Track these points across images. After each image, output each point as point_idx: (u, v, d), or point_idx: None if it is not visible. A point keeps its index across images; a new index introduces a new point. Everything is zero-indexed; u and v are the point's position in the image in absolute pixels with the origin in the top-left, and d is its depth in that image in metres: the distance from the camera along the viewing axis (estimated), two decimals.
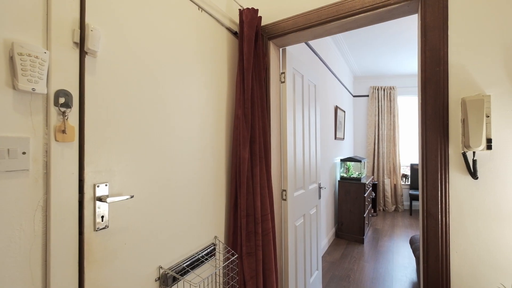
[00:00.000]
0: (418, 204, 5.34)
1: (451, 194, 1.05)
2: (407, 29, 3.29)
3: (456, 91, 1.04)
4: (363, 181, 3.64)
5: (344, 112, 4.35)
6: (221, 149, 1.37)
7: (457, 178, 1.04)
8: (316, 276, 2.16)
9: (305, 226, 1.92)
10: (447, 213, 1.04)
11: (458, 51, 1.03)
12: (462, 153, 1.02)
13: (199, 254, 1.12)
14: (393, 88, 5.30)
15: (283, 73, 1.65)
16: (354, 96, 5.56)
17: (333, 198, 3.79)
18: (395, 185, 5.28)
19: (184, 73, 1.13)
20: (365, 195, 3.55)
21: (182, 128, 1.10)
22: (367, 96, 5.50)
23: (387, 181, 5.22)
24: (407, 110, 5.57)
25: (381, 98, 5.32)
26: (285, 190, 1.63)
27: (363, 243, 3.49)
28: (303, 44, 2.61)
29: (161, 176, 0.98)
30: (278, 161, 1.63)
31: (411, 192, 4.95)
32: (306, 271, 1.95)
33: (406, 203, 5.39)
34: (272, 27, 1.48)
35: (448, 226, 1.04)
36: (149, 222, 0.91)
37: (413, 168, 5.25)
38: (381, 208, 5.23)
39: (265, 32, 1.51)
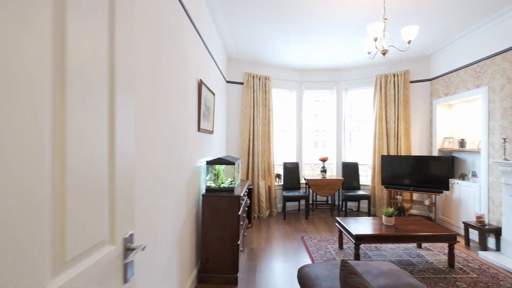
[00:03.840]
0: (292, 206, 5.07)
1: None
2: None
3: None
4: (237, 192, 2.55)
5: (214, 95, 3.15)
6: None
7: None
8: None
9: None
10: None
11: None
12: None
13: None
14: (268, 78, 4.72)
15: None
16: (227, 82, 4.54)
17: (195, 222, 2.46)
18: (269, 187, 4.72)
19: None
20: (240, 213, 2.46)
21: None
22: (242, 83, 4.64)
23: (262, 184, 4.55)
24: (279, 104, 5.19)
25: (256, 88, 4.60)
26: None
27: (237, 283, 2.38)
28: None
29: None
30: None
31: (285, 193, 4.51)
32: None
33: (279, 205, 4.98)
34: None
35: None
36: None
37: (286, 167, 4.89)
38: (255, 216, 4.50)
39: None
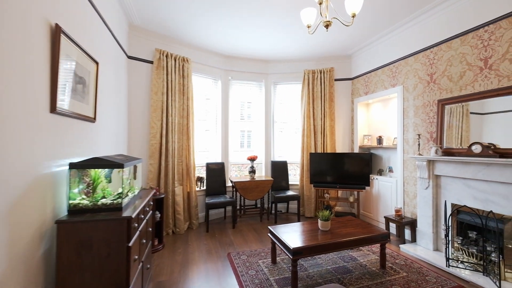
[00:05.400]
0: (216, 214, 4.33)
1: None
2: None
3: None
4: (128, 210, 1.63)
5: (97, 64, 2.08)
6: None
7: None
8: None
9: None
10: None
11: None
12: None
13: None
14: (187, 60, 3.85)
15: None
16: (130, 58, 3.41)
17: (40, 272, 1.40)
18: (188, 194, 3.85)
19: None
20: (131, 243, 1.56)
21: None
22: (152, 62, 3.60)
23: (178, 190, 3.63)
24: (205, 102, 4.38)
25: (171, 70, 3.65)
26: None
27: None
28: None
29: None
30: None
31: (208, 200, 3.74)
32: None
33: (202, 214, 4.16)
34: None
35: None
36: None
37: (210, 168, 4.13)
38: (170, 231, 3.55)
39: None
